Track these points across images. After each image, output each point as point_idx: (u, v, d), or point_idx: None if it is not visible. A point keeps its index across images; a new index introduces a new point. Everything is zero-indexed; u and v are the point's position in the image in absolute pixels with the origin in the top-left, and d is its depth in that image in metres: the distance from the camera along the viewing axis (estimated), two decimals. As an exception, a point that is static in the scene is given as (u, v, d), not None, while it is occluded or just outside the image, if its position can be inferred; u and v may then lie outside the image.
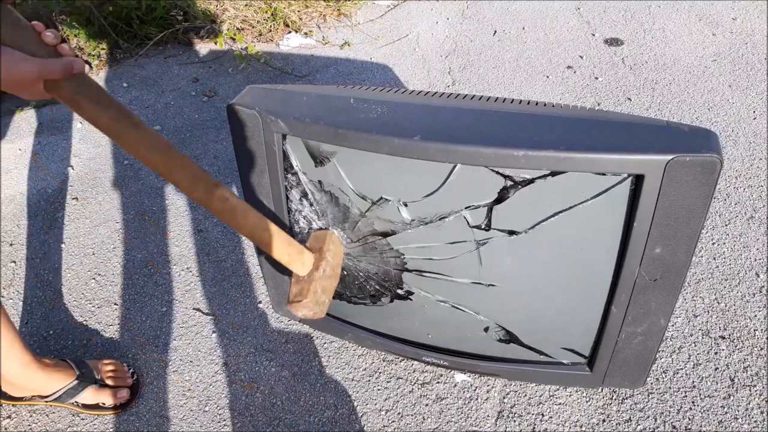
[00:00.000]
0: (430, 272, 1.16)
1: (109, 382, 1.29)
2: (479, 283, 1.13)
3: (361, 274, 1.24)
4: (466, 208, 1.03)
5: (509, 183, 0.97)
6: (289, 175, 1.15)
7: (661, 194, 0.91)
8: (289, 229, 1.22)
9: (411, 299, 1.22)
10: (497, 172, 0.96)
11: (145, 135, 0.85)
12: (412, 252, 1.14)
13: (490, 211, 1.02)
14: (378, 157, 1.01)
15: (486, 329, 1.21)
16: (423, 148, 0.94)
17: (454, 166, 0.98)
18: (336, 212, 1.16)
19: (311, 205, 1.18)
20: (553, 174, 0.94)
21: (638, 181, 0.92)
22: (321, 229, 1.19)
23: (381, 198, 1.08)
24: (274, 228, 0.99)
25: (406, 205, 1.07)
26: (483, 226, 1.04)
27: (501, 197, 0.99)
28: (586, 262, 1.05)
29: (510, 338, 1.21)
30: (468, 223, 1.05)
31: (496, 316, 1.18)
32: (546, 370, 1.23)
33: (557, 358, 1.22)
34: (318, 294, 1.05)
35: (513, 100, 1.04)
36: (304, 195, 1.17)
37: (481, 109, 1.01)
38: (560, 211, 0.98)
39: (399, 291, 1.22)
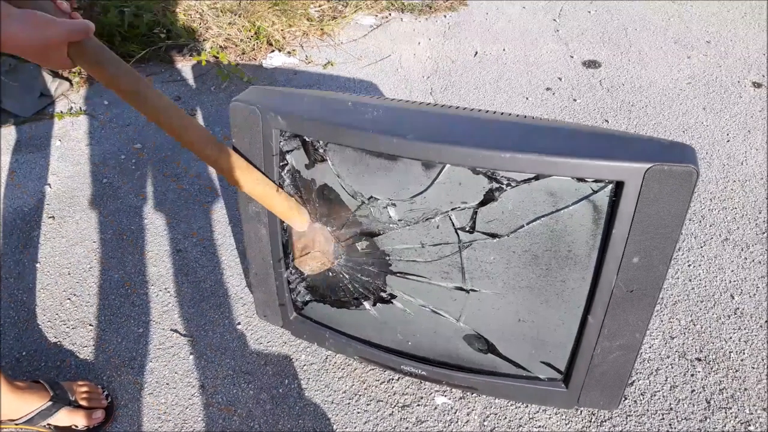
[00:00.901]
0: (413, 275, 1.18)
1: (83, 403, 1.27)
2: (461, 288, 1.15)
3: (346, 275, 1.26)
4: (452, 209, 1.06)
5: (495, 185, 1.01)
6: (285, 173, 1.18)
7: (639, 202, 0.94)
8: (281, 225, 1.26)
9: (393, 303, 1.24)
10: (484, 174, 1.00)
11: (162, 97, 0.93)
12: (397, 253, 1.17)
13: (475, 213, 1.05)
14: (370, 157, 1.07)
15: (465, 337, 1.22)
16: (415, 147, 0.99)
17: (443, 167, 1.02)
18: (327, 210, 1.19)
19: (304, 202, 1.21)
20: (537, 178, 0.98)
21: (618, 188, 0.95)
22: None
23: (371, 197, 1.12)
24: (273, 185, 1.10)
25: (394, 205, 1.10)
26: (467, 228, 1.07)
27: (486, 199, 1.03)
28: (566, 270, 1.07)
29: (488, 348, 1.22)
30: (453, 224, 1.08)
31: (475, 323, 1.20)
32: (521, 385, 1.24)
33: (534, 372, 1.23)
34: (323, 243, 1.15)
35: (502, 112, 1.08)
36: (298, 192, 1.20)
37: (472, 116, 1.06)
38: (542, 216, 1.02)
39: (382, 294, 1.24)
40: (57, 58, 0.83)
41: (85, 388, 1.30)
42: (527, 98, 2.42)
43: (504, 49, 2.77)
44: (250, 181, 1.09)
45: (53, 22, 0.80)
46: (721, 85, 2.45)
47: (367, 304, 1.27)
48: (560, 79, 2.54)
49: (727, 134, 2.17)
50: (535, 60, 2.68)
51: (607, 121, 2.26)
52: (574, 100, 2.40)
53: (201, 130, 1.00)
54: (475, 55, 2.75)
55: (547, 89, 2.47)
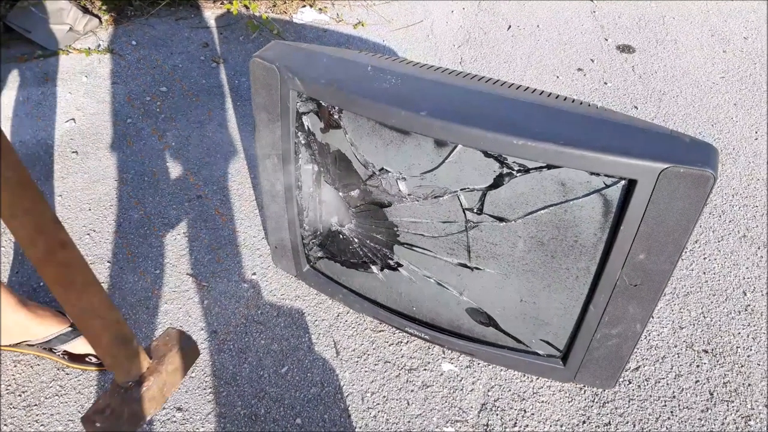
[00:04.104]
0: (420, 247, 1.19)
1: None
2: (465, 265, 1.16)
3: (356, 239, 1.27)
4: (461, 189, 1.05)
5: (506, 170, 0.99)
6: (300, 134, 1.18)
7: (651, 201, 0.92)
8: (297, 186, 1.25)
9: (399, 271, 1.26)
10: (495, 158, 0.98)
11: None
12: (405, 225, 1.17)
13: (484, 195, 1.04)
14: (384, 129, 1.05)
15: (467, 310, 1.24)
16: (427, 124, 0.97)
17: (455, 146, 1.00)
18: (340, 176, 1.19)
19: (318, 165, 1.21)
20: (549, 167, 0.96)
21: (631, 185, 0.93)
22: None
23: (382, 168, 1.11)
24: (113, 316, 0.74)
25: (404, 179, 1.10)
26: (475, 210, 1.07)
27: (496, 183, 1.02)
28: (570, 259, 1.07)
29: (489, 322, 1.24)
30: (461, 204, 1.07)
31: (478, 299, 1.21)
32: (520, 358, 1.26)
33: (533, 348, 1.25)
34: (122, 421, 0.78)
35: (527, 87, 1.05)
36: (312, 154, 1.20)
37: (492, 93, 1.02)
38: (551, 205, 1.00)
39: (389, 261, 1.26)
40: None
41: None
42: (558, 77, 2.39)
43: (538, 26, 2.73)
44: (82, 304, 0.71)
45: None
46: (755, 83, 2.41)
47: (374, 269, 1.30)
48: (593, 60, 2.51)
49: (756, 132, 2.14)
50: (569, 39, 2.65)
51: (636, 107, 2.24)
52: (605, 83, 2.37)
53: (42, 218, 0.64)
54: (509, 28, 2.71)
55: (579, 70, 2.44)
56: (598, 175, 0.94)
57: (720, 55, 2.59)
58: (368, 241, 1.26)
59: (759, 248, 1.69)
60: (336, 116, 1.10)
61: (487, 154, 0.98)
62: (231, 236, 1.63)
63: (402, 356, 1.37)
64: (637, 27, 2.76)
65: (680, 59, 2.54)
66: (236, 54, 2.40)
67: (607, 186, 0.95)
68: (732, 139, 2.10)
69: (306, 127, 1.17)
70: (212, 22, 2.60)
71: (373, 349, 1.38)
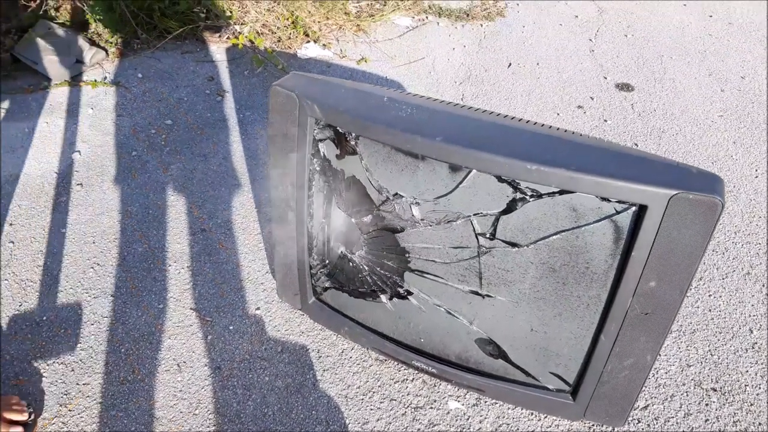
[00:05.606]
0: (431, 274, 1.19)
1: (5, 415, 1.20)
2: (476, 293, 1.16)
3: (366, 267, 1.27)
4: (474, 214, 1.07)
5: (518, 195, 1.01)
6: (315, 160, 1.20)
7: (661, 227, 0.94)
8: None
9: (409, 299, 1.26)
10: (509, 183, 1.00)
11: None
12: (416, 252, 1.18)
13: (497, 220, 1.06)
14: (399, 155, 1.08)
15: (477, 341, 1.23)
16: (443, 149, 1.00)
17: (469, 172, 1.03)
18: (353, 202, 1.21)
19: (331, 192, 1.22)
20: (561, 192, 0.98)
21: (641, 211, 0.95)
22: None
23: (396, 194, 1.13)
24: None
25: (418, 204, 1.11)
26: (488, 235, 1.08)
27: (509, 208, 1.03)
28: (582, 286, 1.07)
29: (499, 353, 1.23)
30: (474, 229, 1.09)
31: (488, 329, 1.21)
32: (530, 393, 1.25)
33: (542, 382, 1.24)
34: None
35: (536, 122, 1.08)
36: (326, 181, 1.22)
37: (503, 124, 1.05)
38: (563, 231, 1.02)
39: (399, 289, 1.26)
40: None
41: (10, 400, 1.24)
42: (558, 114, 2.42)
43: (538, 64, 2.77)
44: None
45: None
46: (753, 121, 2.44)
47: (383, 298, 1.29)
48: (592, 98, 2.54)
49: (756, 170, 2.16)
50: (569, 77, 2.68)
51: (636, 144, 2.26)
52: (605, 120, 2.39)
53: None
54: (509, 66, 2.74)
55: (579, 107, 2.47)
56: (609, 201, 0.96)
57: (718, 93, 2.63)
58: (378, 268, 1.26)
59: (763, 285, 1.69)
60: (352, 142, 1.13)
61: (500, 179, 1.01)
62: (235, 270, 1.62)
63: (408, 394, 1.36)
64: (636, 66, 2.80)
65: (679, 98, 2.57)
66: (241, 88, 2.42)
67: (618, 212, 0.97)
68: (732, 176, 2.12)
69: (322, 154, 1.19)
70: (218, 56, 2.63)
71: (379, 386, 1.37)
